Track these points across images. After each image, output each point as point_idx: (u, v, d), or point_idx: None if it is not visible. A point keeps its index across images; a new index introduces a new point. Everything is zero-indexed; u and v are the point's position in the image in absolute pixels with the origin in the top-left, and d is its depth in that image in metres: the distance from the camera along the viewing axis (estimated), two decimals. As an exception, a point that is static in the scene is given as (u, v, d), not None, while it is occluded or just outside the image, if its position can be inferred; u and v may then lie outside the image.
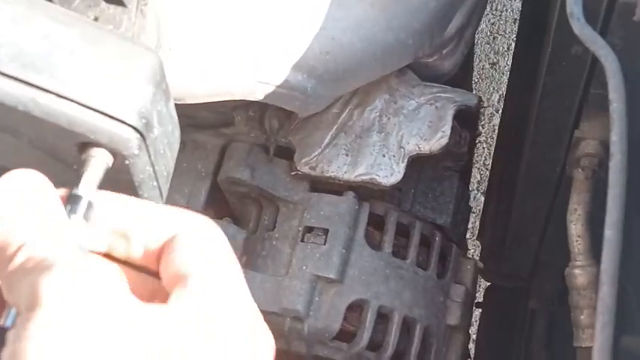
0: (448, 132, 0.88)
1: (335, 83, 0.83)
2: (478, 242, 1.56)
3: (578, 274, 0.86)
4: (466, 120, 0.94)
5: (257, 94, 0.80)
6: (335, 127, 0.91)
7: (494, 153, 1.45)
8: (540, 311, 1.24)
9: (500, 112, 2.07)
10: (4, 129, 0.53)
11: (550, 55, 0.87)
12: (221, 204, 0.96)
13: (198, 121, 0.94)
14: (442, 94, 0.91)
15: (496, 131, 1.99)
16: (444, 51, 0.92)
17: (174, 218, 0.48)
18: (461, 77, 1.02)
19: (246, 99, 0.81)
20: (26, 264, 0.45)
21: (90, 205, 0.49)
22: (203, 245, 0.47)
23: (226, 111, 0.92)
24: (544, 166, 1.03)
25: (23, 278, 0.44)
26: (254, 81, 0.79)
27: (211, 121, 0.94)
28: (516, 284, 1.30)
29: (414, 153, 0.89)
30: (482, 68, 2.29)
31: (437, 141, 0.88)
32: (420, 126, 0.90)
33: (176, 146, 0.62)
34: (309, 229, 0.89)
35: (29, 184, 0.47)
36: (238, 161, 0.92)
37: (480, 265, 0.98)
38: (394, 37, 0.82)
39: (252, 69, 0.79)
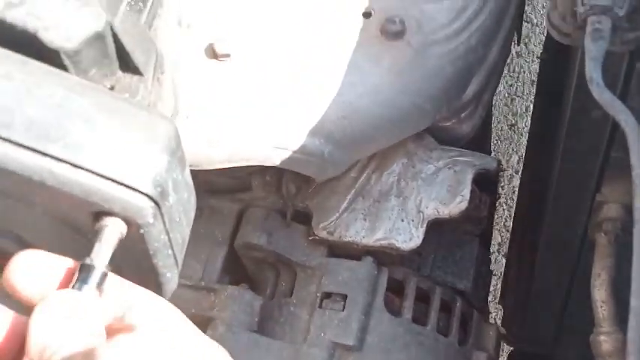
0: (467, 196, 0.87)
1: (352, 148, 0.83)
2: (500, 305, 1.53)
3: (603, 340, 0.84)
4: (485, 183, 0.93)
5: (274, 160, 0.80)
6: (352, 192, 0.90)
7: (514, 215, 1.44)
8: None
9: (519, 173, 2.06)
10: (18, 198, 0.53)
11: (569, 119, 0.86)
12: (238, 270, 0.95)
13: (215, 186, 0.93)
14: (460, 158, 0.90)
15: (516, 192, 1.98)
16: (462, 114, 0.91)
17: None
18: (479, 139, 1.01)
19: (263, 164, 0.81)
20: None
21: (103, 275, 0.49)
22: None
23: (243, 176, 0.91)
24: (566, 230, 1.01)
25: None
26: (271, 147, 0.79)
27: (228, 187, 0.94)
28: (540, 349, 1.27)
29: (433, 217, 0.88)
30: (501, 130, 2.29)
31: (456, 205, 0.87)
32: (438, 190, 0.89)
33: (192, 213, 0.61)
34: (328, 295, 0.88)
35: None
36: (255, 226, 0.91)
37: (502, 330, 0.96)
38: (411, 102, 0.82)
39: (268, 135, 0.79)
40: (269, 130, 0.79)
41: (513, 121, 2.31)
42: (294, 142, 0.80)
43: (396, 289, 0.90)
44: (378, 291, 0.88)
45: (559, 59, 1.09)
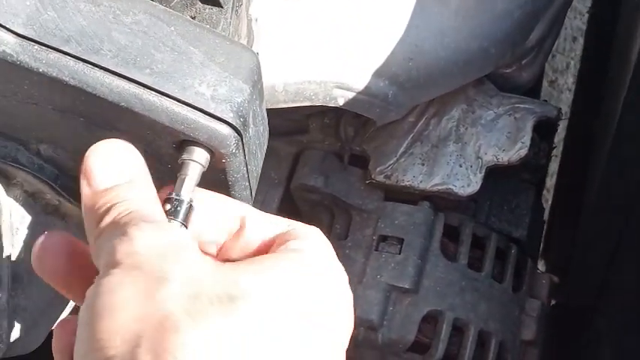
0: (528, 143, 0.87)
1: (416, 91, 0.82)
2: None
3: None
4: (544, 132, 0.92)
5: (337, 100, 0.80)
6: (411, 136, 0.90)
7: (559, 167, 1.43)
8: (607, 332, 1.21)
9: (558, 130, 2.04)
10: (102, 125, 0.53)
11: (635, 69, 0.85)
12: (293, 212, 0.96)
13: (272, 128, 0.93)
14: (521, 105, 0.90)
15: (556, 147, 1.96)
16: (524, 61, 0.90)
17: (282, 222, 0.49)
18: (535, 88, 1.01)
19: (326, 105, 0.81)
20: (112, 224, 0.45)
21: (190, 208, 0.49)
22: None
23: (301, 118, 0.91)
24: (618, 183, 1.01)
25: (109, 239, 0.44)
26: (335, 87, 0.79)
27: (285, 129, 0.94)
28: (582, 303, 1.27)
29: (492, 164, 0.87)
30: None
31: (516, 152, 0.87)
32: (498, 136, 0.88)
33: (265, 147, 0.62)
34: (384, 238, 0.88)
35: (123, 152, 0.48)
36: (312, 168, 0.91)
37: (555, 279, 0.96)
38: (477, 46, 0.81)
39: (334, 75, 0.79)
40: (333, 71, 0.79)
41: (553, 78, 2.29)
42: (359, 83, 0.79)
43: (451, 235, 0.90)
44: (434, 236, 0.88)
45: (609, 13, 1.08)
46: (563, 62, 2.34)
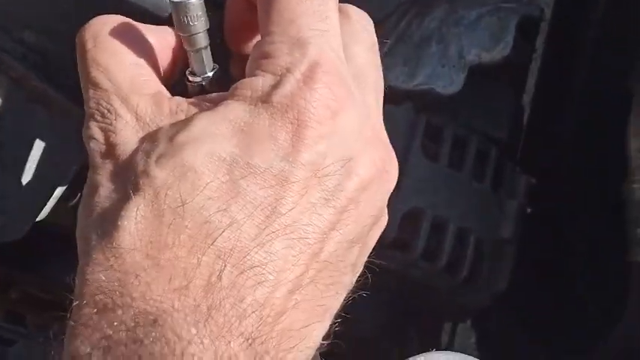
0: (511, 42, 0.87)
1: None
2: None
3: (637, 188, 0.85)
4: (526, 31, 0.92)
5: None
6: (393, 37, 0.90)
7: (539, 73, 1.43)
8: (579, 241, 1.22)
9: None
10: None
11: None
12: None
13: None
14: (504, 5, 0.89)
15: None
16: (507, -39, 0.90)
17: None
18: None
19: None
20: None
21: None
22: None
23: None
24: (602, 82, 1.01)
25: None
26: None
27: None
28: (556, 210, 1.29)
29: (475, 63, 0.87)
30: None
31: (499, 51, 0.87)
32: (481, 36, 0.88)
33: None
34: (366, 138, 0.88)
35: None
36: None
37: (533, 181, 0.98)
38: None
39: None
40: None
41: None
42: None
43: (433, 135, 0.91)
44: (415, 136, 0.89)
45: None
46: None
